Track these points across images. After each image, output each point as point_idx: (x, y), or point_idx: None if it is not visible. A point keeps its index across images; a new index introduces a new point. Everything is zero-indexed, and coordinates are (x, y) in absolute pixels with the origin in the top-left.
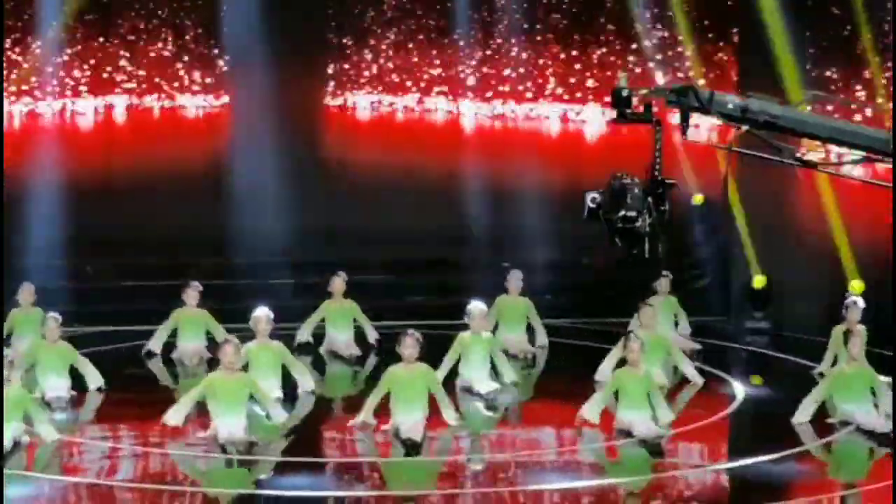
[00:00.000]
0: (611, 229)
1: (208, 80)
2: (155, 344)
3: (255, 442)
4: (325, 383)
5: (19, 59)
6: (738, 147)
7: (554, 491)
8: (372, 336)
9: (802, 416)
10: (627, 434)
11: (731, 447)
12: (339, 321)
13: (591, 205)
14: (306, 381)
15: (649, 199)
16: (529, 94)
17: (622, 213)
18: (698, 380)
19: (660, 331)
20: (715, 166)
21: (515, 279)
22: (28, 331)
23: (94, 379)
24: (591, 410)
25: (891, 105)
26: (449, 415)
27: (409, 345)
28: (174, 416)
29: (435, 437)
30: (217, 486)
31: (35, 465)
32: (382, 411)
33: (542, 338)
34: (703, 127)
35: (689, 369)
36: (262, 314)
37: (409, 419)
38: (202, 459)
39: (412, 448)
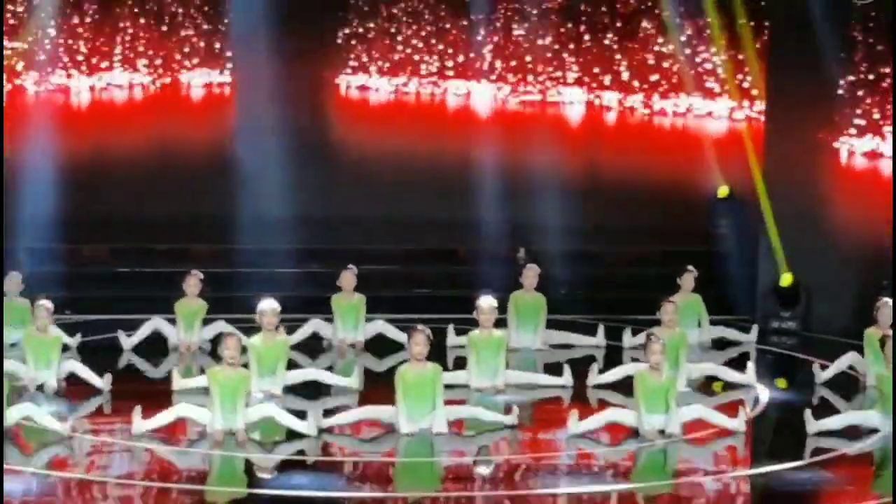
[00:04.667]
0: None
1: (212, 53)
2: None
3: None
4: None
5: (17, 36)
6: (768, 133)
7: (567, 495)
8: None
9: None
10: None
11: (753, 453)
12: (348, 317)
13: None
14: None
15: None
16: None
17: None
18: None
19: (680, 330)
20: (742, 155)
21: (532, 274)
22: (17, 322)
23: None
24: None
25: None
26: (440, 424)
27: (420, 342)
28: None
29: (443, 437)
30: (214, 485)
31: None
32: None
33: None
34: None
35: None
36: (268, 307)
37: (417, 423)
38: (198, 456)
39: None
